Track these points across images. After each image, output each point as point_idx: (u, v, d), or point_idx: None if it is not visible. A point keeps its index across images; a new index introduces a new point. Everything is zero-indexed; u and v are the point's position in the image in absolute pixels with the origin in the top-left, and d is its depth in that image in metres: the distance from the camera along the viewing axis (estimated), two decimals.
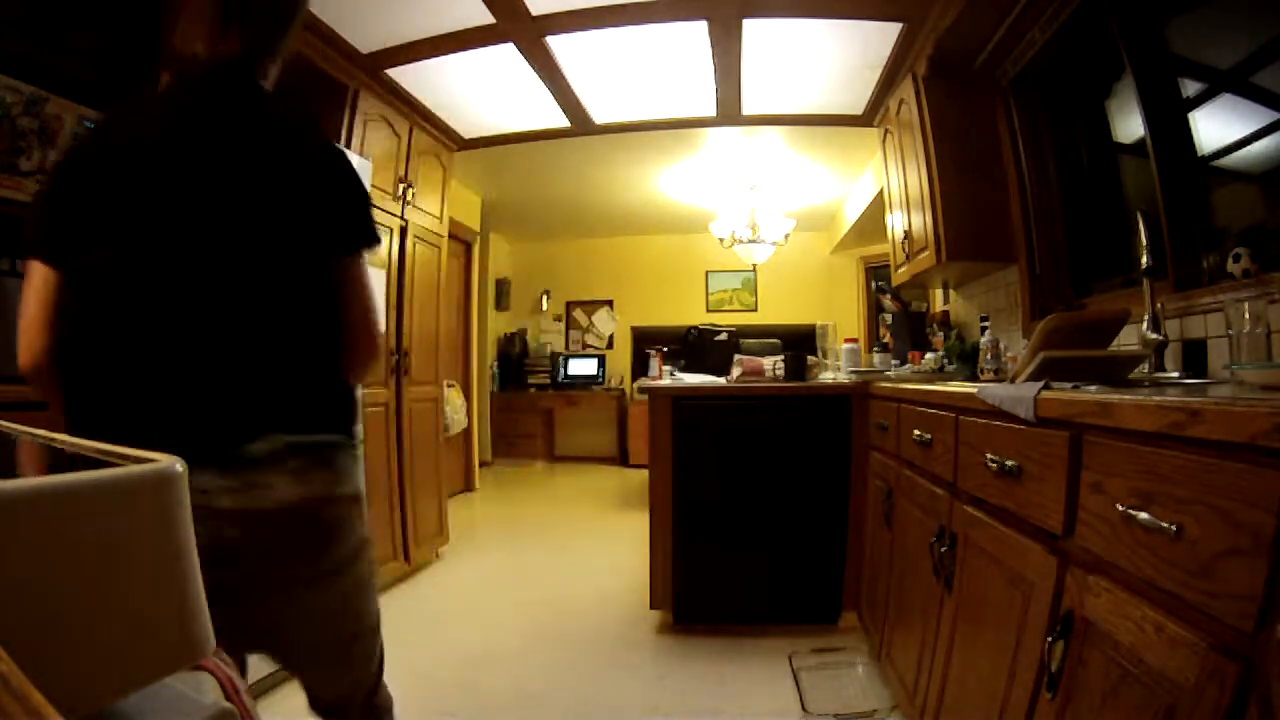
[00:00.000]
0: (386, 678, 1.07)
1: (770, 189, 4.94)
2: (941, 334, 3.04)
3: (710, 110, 3.33)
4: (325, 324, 0.94)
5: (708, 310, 6.92)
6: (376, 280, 2.80)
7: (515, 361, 6.80)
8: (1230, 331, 1.25)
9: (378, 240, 1.00)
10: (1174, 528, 0.67)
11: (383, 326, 1.01)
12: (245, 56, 0.95)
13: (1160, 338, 1.55)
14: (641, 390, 2.63)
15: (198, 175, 0.86)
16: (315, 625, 0.93)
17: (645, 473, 2.54)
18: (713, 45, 2.68)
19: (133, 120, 0.93)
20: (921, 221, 2.65)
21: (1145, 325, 1.56)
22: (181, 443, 0.69)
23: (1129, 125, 1.93)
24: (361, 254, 0.97)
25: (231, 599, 0.61)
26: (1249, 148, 1.48)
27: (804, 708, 1.84)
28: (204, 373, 0.86)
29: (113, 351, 0.86)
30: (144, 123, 0.91)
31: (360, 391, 1.03)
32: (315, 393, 0.93)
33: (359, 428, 1.00)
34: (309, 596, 0.91)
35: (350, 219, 0.96)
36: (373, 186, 2.64)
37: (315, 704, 1.00)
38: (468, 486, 5.24)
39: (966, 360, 2.50)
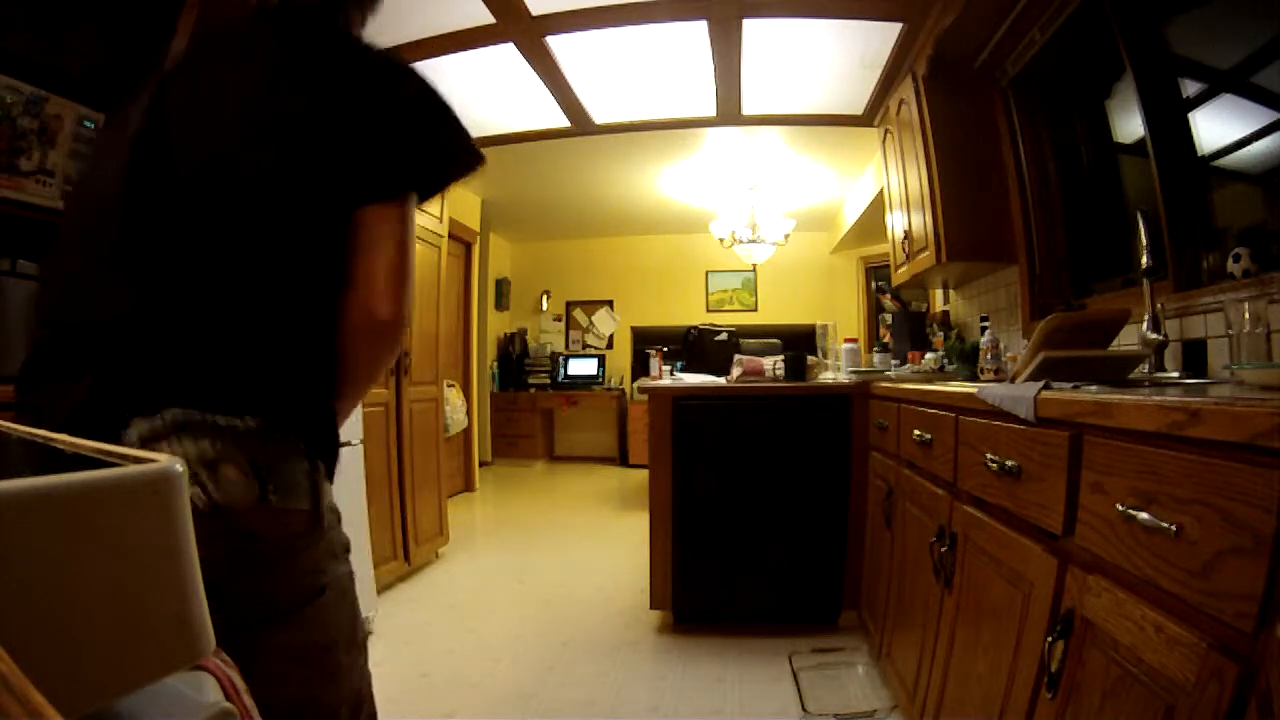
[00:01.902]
0: (386, 677, 1.01)
1: (770, 189, 4.94)
2: (941, 334, 3.04)
3: (710, 110, 3.33)
4: (313, 285, 0.73)
5: (708, 310, 6.92)
6: None
7: (515, 361, 6.80)
8: (1230, 331, 1.26)
9: (436, 176, 0.80)
10: (1174, 528, 0.67)
11: (409, 296, 0.77)
12: (323, 3, 0.82)
13: (1160, 338, 1.55)
14: (641, 390, 2.62)
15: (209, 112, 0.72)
16: None
17: (645, 473, 2.54)
18: (713, 45, 2.68)
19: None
20: (921, 221, 2.65)
21: (1145, 325, 1.56)
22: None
23: (1129, 125, 1.93)
24: (399, 201, 0.76)
25: None
26: (1249, 148, 1.48)
27: (804, 708, 1.84)
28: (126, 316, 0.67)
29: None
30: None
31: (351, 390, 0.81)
32: (262, 363, 0.69)
33: (328, 430, 0.75)
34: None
35: (384, 158, 0.75)
36: None
37: None
38: (468, 486, 5.24)
39: (966, 360, 2.50)
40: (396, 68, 0.78)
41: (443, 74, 2.88)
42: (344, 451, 2.63)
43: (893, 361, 3.04)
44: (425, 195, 0.80)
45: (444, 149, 0.80)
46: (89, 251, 0.73)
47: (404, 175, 0.77)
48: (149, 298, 0.67)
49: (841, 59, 2.79)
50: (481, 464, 5.85)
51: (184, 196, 0.70)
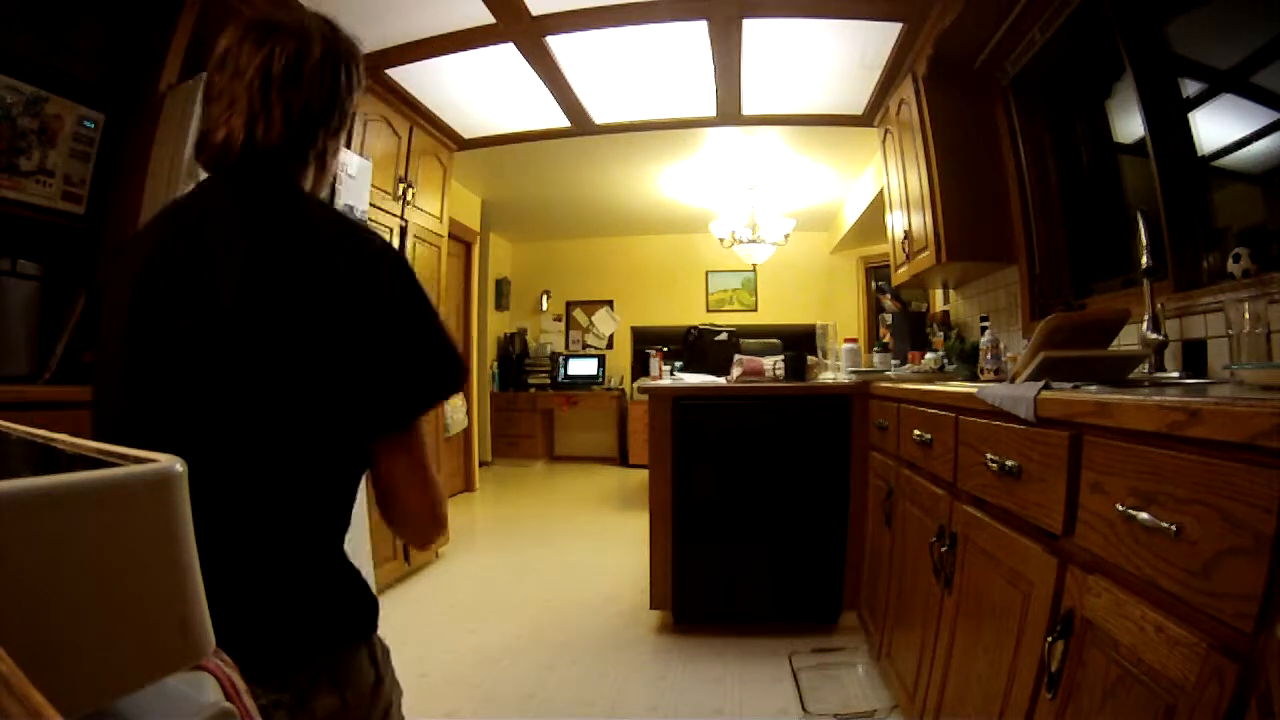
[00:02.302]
0: None
1: (770, 189, 4.94)
2: (941, 334, 3.04)
3: (710, 110, 3.33)
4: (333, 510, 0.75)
5: (708, 310, 6.92)
6: None
7: (515, 361, 6.80)
8: (1230, 331, 1.25)
9: (442, 391, 0.75)
10: (1174, 528, 0.67)
11: (441, 507, 0.78)
12: (288, 144, 0.77)
13: (1160, 338, 1.55)
14: (641, 390, 2.63)
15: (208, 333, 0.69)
16: None
17: (645, 473, 2.54)
18: (713, 45, 2.68)
19: (168, 239, 0.75)
20: (921, 221, 2.65)
21: (1145, 325, 1.56)
22: None
23: (1129, 125, 1.93)
24: (415, 424, 0.74)
25: None
26: (1249, 148, 1.48)
27: (804, 708, 1.84)
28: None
29: None
30: (172, 245, 0.74)
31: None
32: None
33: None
34: None
35: (397, 379, 0.71)
36: (373, 186, 2.64)
37: None
38: (468, 486, 5.24)
39: (966, 360, 2.50)
40: (370, 256, 0.72)
41: (443, 74, 2.88)
42: None
43: (893, 361, 3.04)
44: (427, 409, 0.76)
45: (441, 363, 0.75)
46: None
47: (411, 405, 0.73)
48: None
49: (841, 59, 2.79)
50: (481, 464, 5.85)
51: (181, 414, 0.69)
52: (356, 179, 2.39)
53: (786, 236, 5.02)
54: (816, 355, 3.11)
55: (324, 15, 0.83)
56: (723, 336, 3.62)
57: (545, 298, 7.15)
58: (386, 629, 1.08)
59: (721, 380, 2.66)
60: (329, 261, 0.70)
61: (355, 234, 0.74)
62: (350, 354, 0.69)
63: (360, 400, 0.70)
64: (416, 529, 0.77)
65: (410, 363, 0.72)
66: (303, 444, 0.70)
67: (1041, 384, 1.03)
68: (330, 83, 0.80)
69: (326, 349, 0.69)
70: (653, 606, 2.43)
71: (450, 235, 3.75)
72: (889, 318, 4.03)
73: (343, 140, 0.86)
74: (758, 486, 2.39)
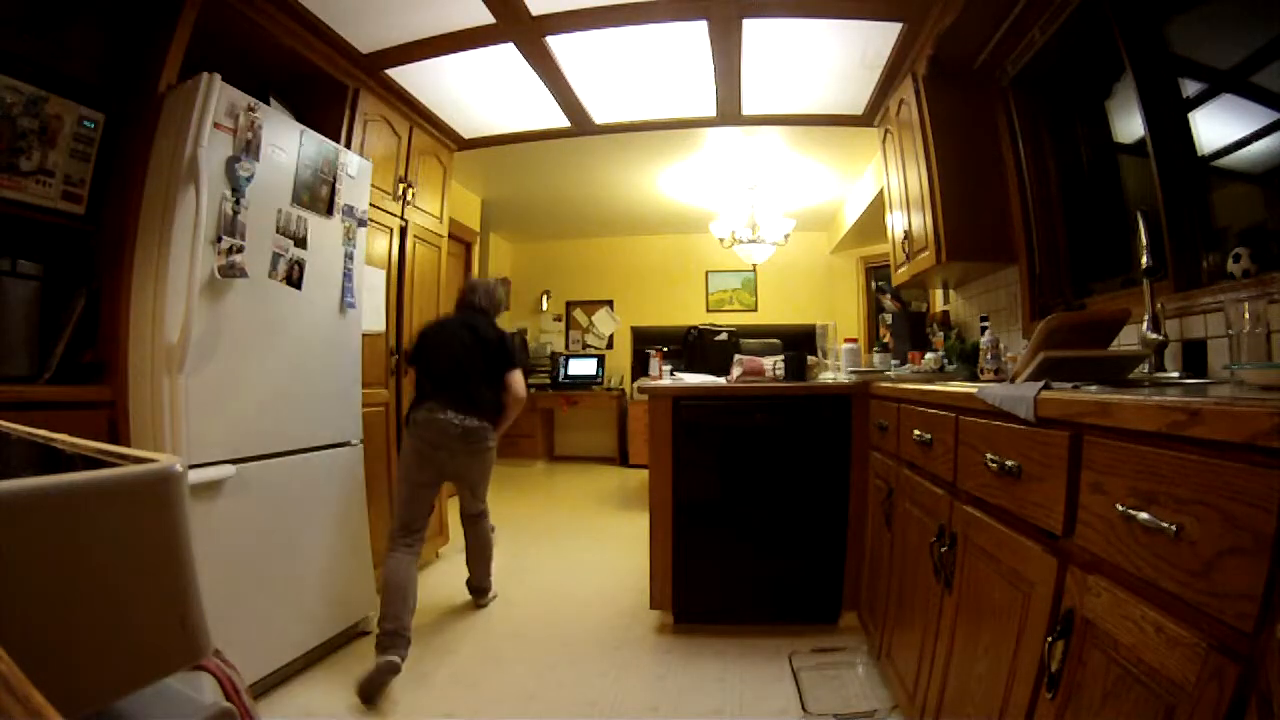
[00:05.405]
0: None
1: (770, 189, 4.94)
2: (941, 334, 3.04)
3: (710, 110, 3.33)
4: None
5: (708, 310, 6.92)
6: (377, 279, 2.82)
7: None
8: (1230, 331, 1.25)
9: (518, 362, 2.57)
10: (1174, 528, 0.67)
11: (525, 392, 2.61)
12: (488, 311, 2.63)
13: (1160, 338, 1.55)
14: (641, 390, 2.63)
15: (473, 347, 2.48)
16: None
17: (645, 473, 2.54)
18: (713, 45, 2.68)
19: (450, 324, 2.55)
20: (921, 221, 2.65)
21: (1145, 325, 1.56)
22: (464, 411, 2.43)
23: (1129, 125, 1.93)
24: (517, 367, 2.53)
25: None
26: (1249, 148, 1.48)
27: (804, 708, 1.84)
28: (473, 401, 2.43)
29: (442, 384, 2.43)
30: (454, 326, 2.53)
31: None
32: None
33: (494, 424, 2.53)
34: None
35: (514, 358, 2.55)
36: (373, 187, 2.64)
37: (466, 508, 2.68)
38: None
39: (966, 360, 2.50)
40: (507, 334, 2.58)
41: (443, 74, 2.88)
42: (344, 452, 2.64)
43: (893, 361, 3.04)
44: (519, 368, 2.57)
45: (524, 356, 2.25)
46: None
47: (517, 362, 2.56)
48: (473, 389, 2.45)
49: (841, 59, 2.79)
50: None
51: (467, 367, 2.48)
52: (356, 179, 2.39)
53: (786, 236, 5.02)
54: (816, 355, 3.10)
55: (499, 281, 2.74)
56: (723, 336, 3.62)
57: (545, 298, 7.15)
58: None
59: (721, 380, 2.66)
60: (498, 335, 2.55)
61: (503, 331, 2.59)
62: (504, 354, 2.53)
63: (505, 362, 2.53)
64: (517, 403, 2.52)
65: (513, 356, 2.55)
66: (491, 373, 2.49)
67: (1041, 384, 1.03)
68: (505, 299, 2.76)
69: (499, 353, 2.52)
70: (653, 606, 2.43)
71: (450, 235, 3.75)
72: (889, 318, 4.03)
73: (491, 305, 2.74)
74: (758, 486, 2.39)
